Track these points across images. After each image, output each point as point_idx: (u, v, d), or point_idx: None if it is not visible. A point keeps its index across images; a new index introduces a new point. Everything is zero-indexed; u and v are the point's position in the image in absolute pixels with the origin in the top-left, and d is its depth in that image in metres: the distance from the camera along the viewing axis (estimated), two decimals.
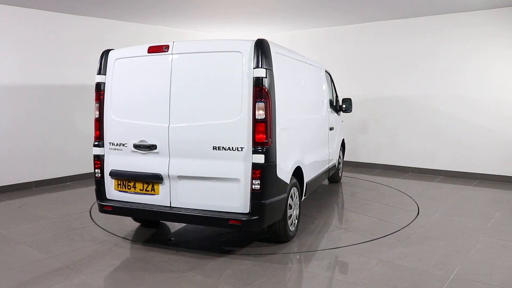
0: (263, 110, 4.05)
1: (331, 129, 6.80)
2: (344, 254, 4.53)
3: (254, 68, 4.07)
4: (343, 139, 8.21)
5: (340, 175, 8.17)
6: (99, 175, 4.77)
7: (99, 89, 4.74)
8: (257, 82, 4.06)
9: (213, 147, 4.20)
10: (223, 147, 4.17)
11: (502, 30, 7.93)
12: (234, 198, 4.17)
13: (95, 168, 4.80)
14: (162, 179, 4.42)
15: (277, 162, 4.22)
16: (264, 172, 4.08)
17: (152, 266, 4.18)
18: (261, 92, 4.05)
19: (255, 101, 4.06)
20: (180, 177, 4.37)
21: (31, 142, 7.67)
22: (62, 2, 7.08)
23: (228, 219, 4.14)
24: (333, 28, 10.01)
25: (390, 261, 4.29)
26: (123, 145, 4.61)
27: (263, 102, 4.05)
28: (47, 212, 6.15)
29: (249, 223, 4.13)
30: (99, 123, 4.76)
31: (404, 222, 5.57)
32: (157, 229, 5.36)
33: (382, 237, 5.02)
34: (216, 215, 4.20)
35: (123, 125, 4.61)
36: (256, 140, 4.08)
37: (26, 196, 7.12)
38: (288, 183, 4.56)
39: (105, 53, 4.77)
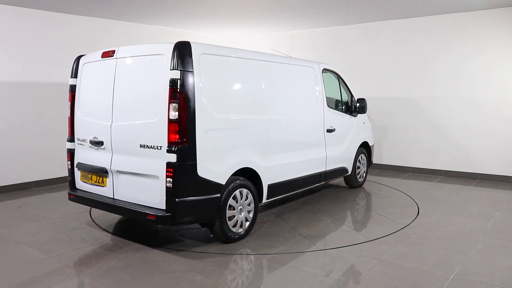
0: (176, 111, 4.17)
1: (329, 131, 6.52)
2: (344, 254, 4.53)
3: (170, 70, 4.21)
4: (365, 142, 7.70)
5: (360, 180, 7.70)
6: (70, 167, 5.37)
7: (72, 90, 5.35)
8: (171, 83, 4.19)
9: (140, 145, 4.47)
10: (147, 145, 4.42)
11: (503, 31, 7.92)
12: (155, 194, 4.38)
13: (67, 161, 5.40)
14: (107, 173, 4.83)
15: (197, 162, 4.31)
16: (176, 171, 4.20)
17: (152, 266, 4.18)
18: (175, 93, 4.18)
19: (169, 102, 4.19)
20: (119, 172, 4.73)
21: (31, 142, 7.67)
22: (62, 2, 7.08)
23: (146, 214, 4.35)
24: (333, 28, 10.00)
25: (390, 261, 4.29)
26: (84, 140, 5.15)
27: (177, 103, 4.16)
28: (47, 212, 6.16)
29: (163, 219, 4.29)
30: (71, 121, 5.35)
31: (383, 234, 5.45)
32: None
33: (382, 237, 5.02)
34: (137, 209, 4.46)
35: (85, 123, 5.16)
36: (170, 140, 4.21)
37: (26, 196, 7.13)
38: (224, 183, 4.60)
39: (77, 59, 5.37)
